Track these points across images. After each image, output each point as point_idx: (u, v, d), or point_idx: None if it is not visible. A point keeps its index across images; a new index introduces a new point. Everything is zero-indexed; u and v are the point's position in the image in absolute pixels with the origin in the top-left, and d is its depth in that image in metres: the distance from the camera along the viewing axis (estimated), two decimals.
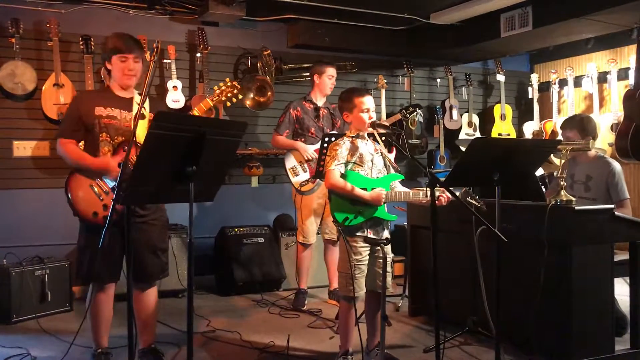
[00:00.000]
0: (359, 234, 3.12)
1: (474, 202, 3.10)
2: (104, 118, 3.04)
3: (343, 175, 3.12)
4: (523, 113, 7.06)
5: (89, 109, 3.04)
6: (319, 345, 3.67)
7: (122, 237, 2.91)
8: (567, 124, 4.05)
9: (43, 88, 4.75)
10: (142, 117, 2.95)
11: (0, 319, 4.17)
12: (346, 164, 3.13)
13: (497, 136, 6.40)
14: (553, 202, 3.19)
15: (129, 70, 3.05)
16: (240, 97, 3.32)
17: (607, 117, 5.84)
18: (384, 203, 3.12)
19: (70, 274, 4.50)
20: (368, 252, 3.15)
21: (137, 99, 3.11)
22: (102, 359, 3.19)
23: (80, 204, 3.00)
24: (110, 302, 3.18)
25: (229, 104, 3.36)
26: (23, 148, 4.85)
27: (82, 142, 3.14)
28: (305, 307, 4.53)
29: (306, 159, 4.52)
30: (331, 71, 4.66)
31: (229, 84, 3.31)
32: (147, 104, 3.10)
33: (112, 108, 3.06)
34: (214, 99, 3.29)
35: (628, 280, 3.44)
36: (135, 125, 2.77)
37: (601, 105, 6.04)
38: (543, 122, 6.45)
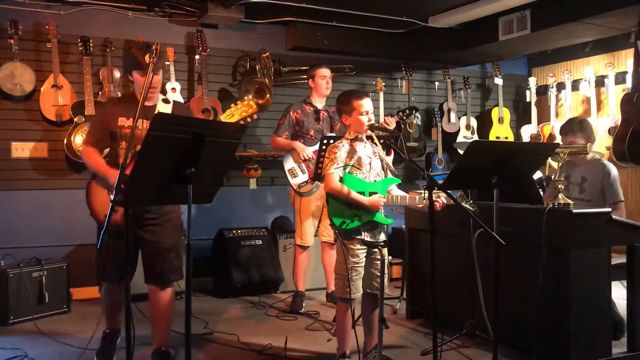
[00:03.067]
0: (355, 236, 3.13)
1: (468, 207, 3.09)
2: (125, 128, 3.12)
3: (341, 179, 3.12)
4: (521, 116, 7.08)
5: (113, 119, 3.14)
6: (316, 347, 3.68)
7: (132, 239, 2.99)
8: (568, 128, 4.03)
9: (42, 89, 4.76)
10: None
11: None
12: (345, 167, 3.13)
13: (495, 139, 6.41)
14: (551, 206, 3.20)
15: (151, 87, 3.07)
16: (255, 117, 3.18)
17: (605, 120, 5.86)
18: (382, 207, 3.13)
19: (68, 276, 4.50)
20: (365, 254, 3.15)
21: (160, 106, 3.17)
22: (107, 339, 3.34)
23: (95, 205, 3.18)
24: (119, 292, 3.22)
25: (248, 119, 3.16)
26: (21, 149, 4.85)
27: (108, 149, 3.25)
28: (303, 310, 4.53)
29: (303, 158, 4.52)
30: (323, 72, 4.66)
31: (246, 102, 3.15)
32: (169, 108, 3.19)
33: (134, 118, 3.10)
34: (227, 118, 3.15)
35: (625, 284, 3.45)
36: (131, 132, 2.80)
37: (599, 109, 6.06)
38: (541, 125, 6.47)
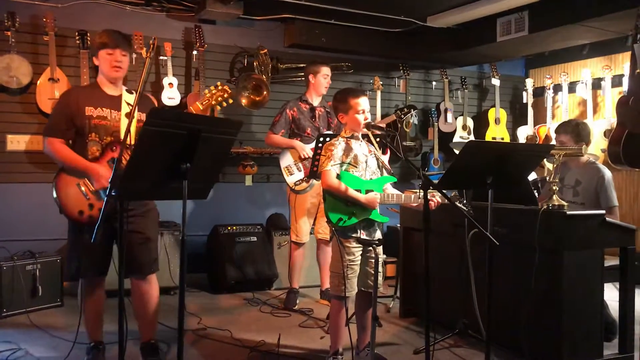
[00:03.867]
0: (352, 234, 3.13)
1: (462, 207, 3.10)
2: (94, 119, 3.02)
3: (338, 176, 3.13)
4: (517, 117, 7.10)
5: (79, 108, 3.02)
6: (309, 344, 3.68)
7: (109, 232, 2.97)
8: (562, 128, 4.07)
9: (38, 82, 4.74)
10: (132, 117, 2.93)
11: None
12: (341, 164, 3.14)
13: (491, 140, 6.43)
14: (545, 207, 3.21)
15: (116, 62, 3.04)
16: (230, 101, 3.28)
17: (601, 123, 5.88)
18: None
19: (62, 269, 4.49)
20: (360, 252, 3.16)
21: (125, 96, 3.09)
22: (93, 353, 3.20)
23: (67, 202, 3.00)
24: (101, 296, 3.20)
25: (218, 107, 3.31)
26: (17, 142, 4.83)
27: (70, 140, 3.12)
28: (296, 307, 4.53)
29: (303, 157, 4.53)
30: (326, 70, 4.67)
31: (219, 87, 3.27)
32: (133, 99, 3.09)
33: (103, 108, 3.05)
34: (204, 103, 3.24)
35: (618, 286, 3.46)
36: (129, 125, 2.74)
37: (595, 112, 6.08)
38: (537, 126, 6.49)
